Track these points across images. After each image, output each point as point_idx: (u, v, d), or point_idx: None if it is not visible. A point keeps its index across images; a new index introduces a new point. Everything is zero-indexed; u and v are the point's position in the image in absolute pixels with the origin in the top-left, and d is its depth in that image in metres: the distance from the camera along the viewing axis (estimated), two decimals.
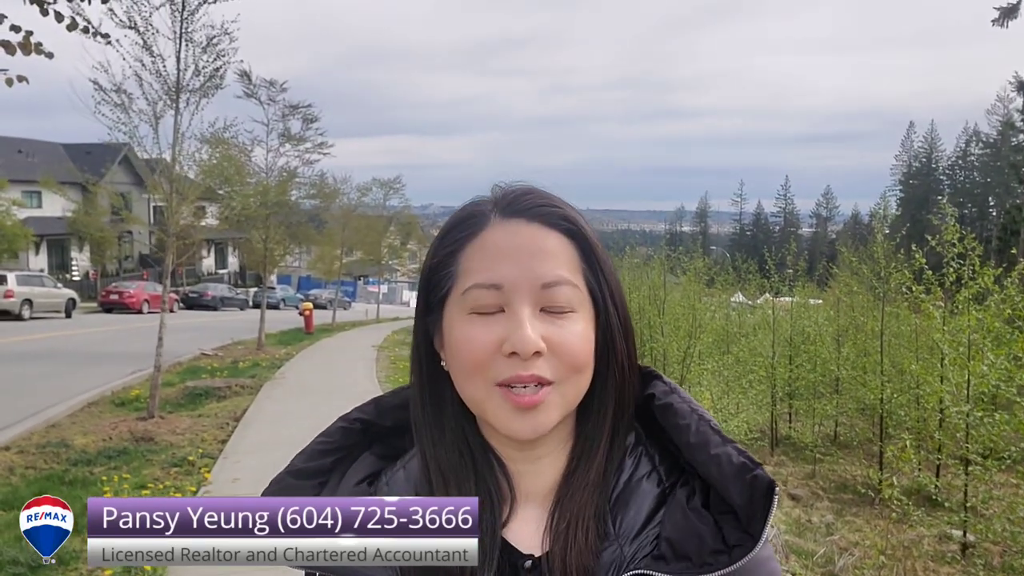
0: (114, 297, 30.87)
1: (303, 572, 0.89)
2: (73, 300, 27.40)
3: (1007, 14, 32.14)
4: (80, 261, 41.52)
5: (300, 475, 0.92)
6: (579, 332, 0.86)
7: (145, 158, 10.49)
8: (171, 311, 31.10)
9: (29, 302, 25.03)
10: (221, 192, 16.85)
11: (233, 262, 53.29)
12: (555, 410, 0.86)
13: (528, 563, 0.88)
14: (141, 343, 15.79)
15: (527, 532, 0.90)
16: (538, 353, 0.83)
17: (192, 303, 36.11)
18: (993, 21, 32.27)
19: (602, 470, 0.90)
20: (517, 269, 0.85)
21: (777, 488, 0.84)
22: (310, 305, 25.91)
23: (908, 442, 6.80)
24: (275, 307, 38.73)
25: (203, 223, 23.21)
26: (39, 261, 38.61)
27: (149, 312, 29.57)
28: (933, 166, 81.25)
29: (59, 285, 28.32)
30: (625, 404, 0.92)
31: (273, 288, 42.33)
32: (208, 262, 50.82)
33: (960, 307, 7.86)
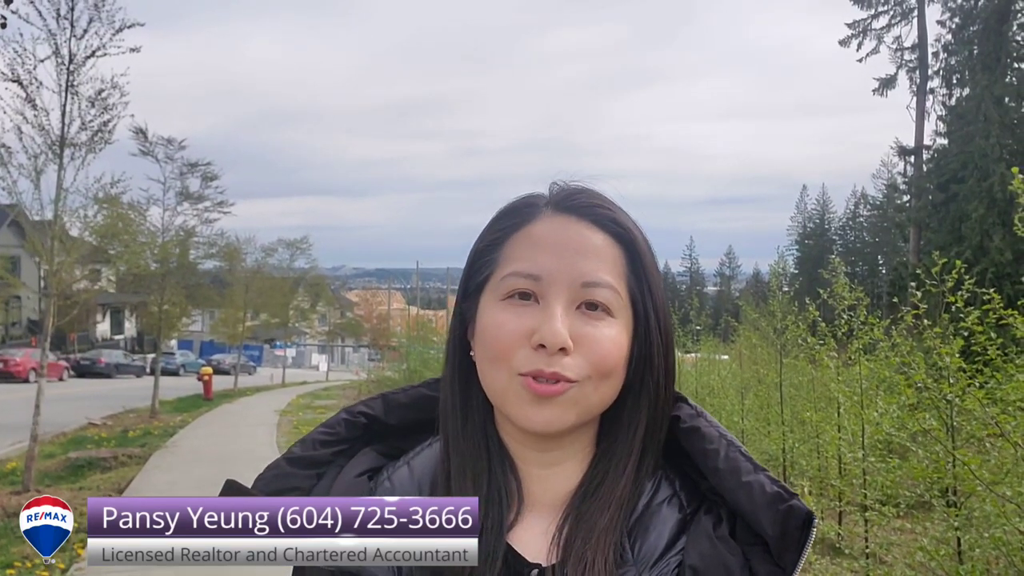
0: None
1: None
2: None
3: (886, 84, 34.42)
4: None
5: (298, 463, 0.89)
6: (612, 336, 0.83)
7: (35, 219, 10.01)
8: (60, 379, 29.53)
9: None
10: (112, 252, 16.15)
11: (130, 328, 50.99)
12: (572, 408, 0.82)
13: (535, 572, 0.83)
14: (24, 413, 14.71)
15: (531, 539, 0.85)
16: (564, 350, 0.80)
17: (84, 370, 34.13)
18: (874, 91, 34.52)
19: (628, 490, 0.86)
20: (558, 263, 0.83)
21: (816, 520, 0.80)
22: (210, 370, 24.91)
23: (804, 488, 6.87)
24: (174, 373, 37.14)
25: (97, 286, 22.19)
26: None
27: (37, 380, 27.83)
28: (826, 227, 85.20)
29: None
30: (658, 424, 0.88)
31: (172, 353, 40.73)
32: (103, 327, 48.45)
33: (852, 357, 8.08)
